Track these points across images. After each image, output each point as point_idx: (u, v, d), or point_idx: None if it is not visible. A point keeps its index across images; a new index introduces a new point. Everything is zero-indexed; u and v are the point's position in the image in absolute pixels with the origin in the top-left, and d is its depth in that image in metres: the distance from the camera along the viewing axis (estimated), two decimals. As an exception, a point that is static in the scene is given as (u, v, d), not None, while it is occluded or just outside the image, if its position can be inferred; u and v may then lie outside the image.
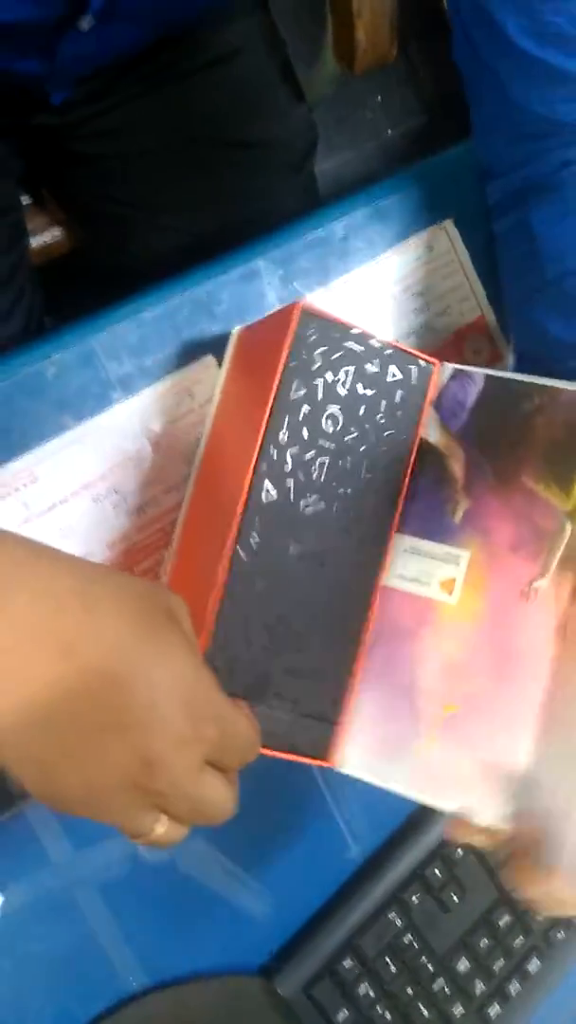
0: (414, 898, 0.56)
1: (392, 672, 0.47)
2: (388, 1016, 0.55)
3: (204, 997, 0.53)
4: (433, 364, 0.49)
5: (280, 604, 0.45)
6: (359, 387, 0.47)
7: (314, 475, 0.46)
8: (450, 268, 0.61)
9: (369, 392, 0.47)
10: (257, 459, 0.45)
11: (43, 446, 0.50)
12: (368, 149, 1.55)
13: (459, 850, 0.58)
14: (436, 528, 0.48)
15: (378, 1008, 0.55)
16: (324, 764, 0.47)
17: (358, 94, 1.59)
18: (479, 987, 0.58)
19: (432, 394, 0.49)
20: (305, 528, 0.46)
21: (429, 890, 0.57)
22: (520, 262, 0.56)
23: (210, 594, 0.44)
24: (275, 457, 0.45)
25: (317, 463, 0.46)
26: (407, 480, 0.48)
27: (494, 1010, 0.59)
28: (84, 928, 0.51)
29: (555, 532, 0.46)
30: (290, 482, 0.45)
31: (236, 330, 0.53)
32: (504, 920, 0.59)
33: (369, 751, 0.47)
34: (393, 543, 0.48)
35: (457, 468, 0.48)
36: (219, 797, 0.35)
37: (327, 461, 0.46)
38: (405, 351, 0.48)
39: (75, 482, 0.51)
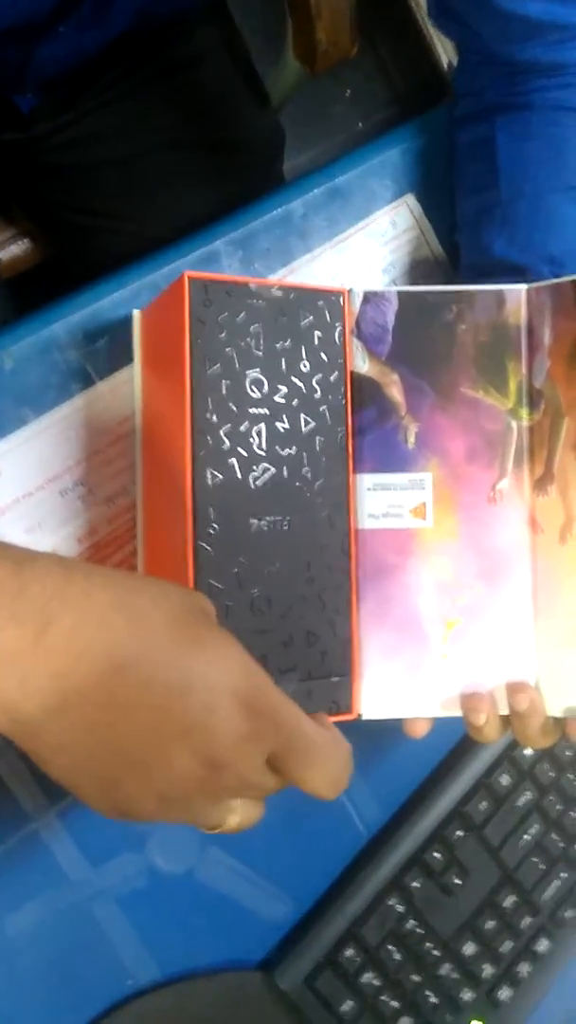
0: (415, 883, 0.55)
1: (388, 609, 0.47)
2: (394, 1004, 0.54)
3: (206, 993, 0.51)
4: (341, 292, 0.48)
5: (256, 582, 0.44)
6: (274, 343, 0.45)
7: (255, 445, 0.45)
8: (415, 243, 0.61)
9: (286, 344, 0.45)
10: (191, 449, 0.43)
11: (4, 440, 0.49)
12: (339, 143, 1.54)
13: (459, 832, 0.57)
14: (392, 458, 0.47)
15: (383, 997, 0.54)
16: (348, 718, 0.46)
17: (327, 89, 1.58)
18: (487, 970, 0.57)
19: (349, 323, 0.48)
20: (261, 500, 0.45)
21: (430, 874, 0.56)
22: (478, 178, 0.56)
23: None
24: (210, 441, 0.44)
25: (254, 432, 0.45)
26: (350, 418, 0.47)
27: (504, 993, 0.57)
28: (86, 926, 0.50)
29: (503, 432, 0.48)
30: (232, 461, 0.44)
31: (136, 313, 0.50)
32: (510, 900, 0.58)
33: (387, 689, 0.47)
34: (355, 484, 0.47)
35: (396, 393, 0.47)
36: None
37: (263, 427, 0.45)
38: (308, 289, 0.46)
39: (40, 476, 0.50)
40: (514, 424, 0.48)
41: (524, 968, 0.58)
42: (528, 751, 0.59)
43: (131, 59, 0.69)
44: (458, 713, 0.47)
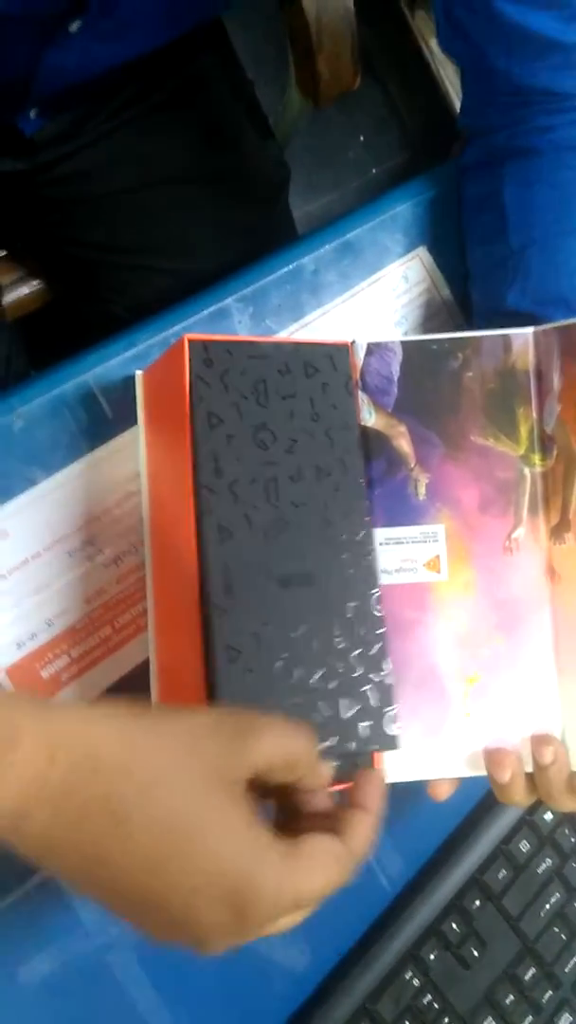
0: (431, 955, 0.53)
1: (407, 667, 0.46)
2: None
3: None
4: (345, 345, 0.47)
5: (281, 647, 0.43)
6: (279, 396, 0.44)
7: (270, 498, 0.44)
8: (427, 296, 0.60)
9: (291, 396, 0.45)
10: (196, 508, 0.42)
11: (13, 501, 0.48)
12: (352, 189, 1.55)
13: (476, 901, 0.55)
14: (404, 511, 0.47)
15: (400, 1076, 0.52)
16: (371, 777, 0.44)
17: (340, 135, 1.60)
18: (508, 1048, 0.55)
19: (354, 376, 0.47)
20: (279, 557, 0.43)
21: (447, 946, 0.54)
22: (487, 229, 0.56)
23: (198, 682, 0.42)
24: (217, 499, 0.43)
25: (265, 485, 0.44)
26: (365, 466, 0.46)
27: (526, 1072, 0.55)
28: (102, 978, 0.48)
29: (515, 480, 0.47)
30: (244, 516, 0.43)
31: (138, 374, 0.50)
32: (530, 973, 0.55)
33: (410, 751, 0.46)
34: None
35: (404, 444, 0.47)
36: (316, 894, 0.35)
37: (277, 479, 0.44)
38: (310, 344, 0.46)
39: (48, 537, 0.49)
40: (527, 471, 0.47)
41: (546, 1045, 0.56)
42: (548, 816, 0.57)
43: (136, 81, 0.69)
44: (483, 772, 0.46)
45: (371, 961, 0.53)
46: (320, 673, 0.43)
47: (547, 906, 0.56)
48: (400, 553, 0.46)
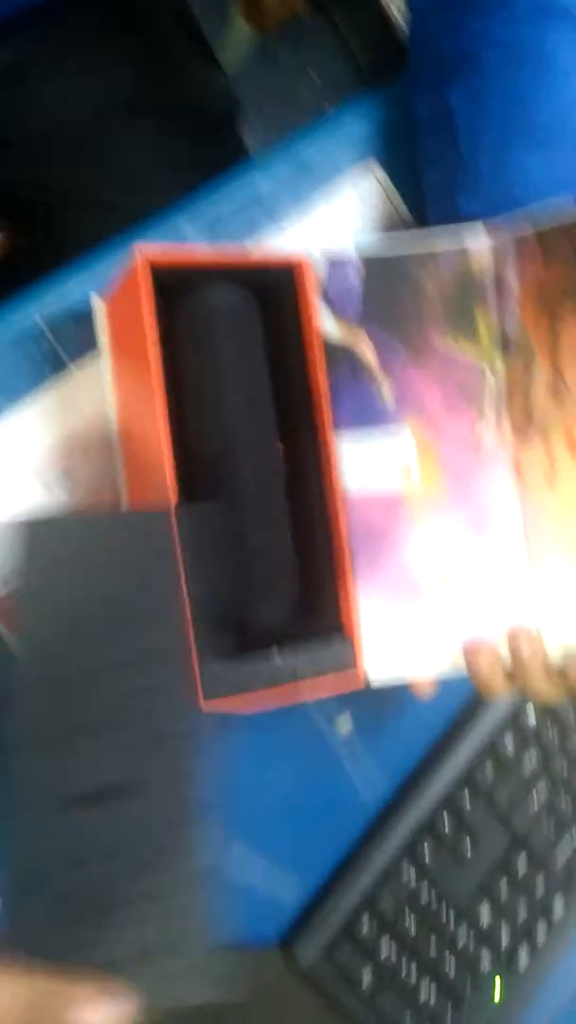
0: (426, 851, 0.55)
1: (382, 572, 0.47)
2: (414, 973, 0.54)
3: (223, 973, 0.51)
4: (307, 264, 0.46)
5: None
6: None
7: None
8: (382, 210, 0.60)
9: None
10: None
11: (-18, 437, 0.48)
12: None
13: (467, 798, 0.56)
14: (370, 417, 0.47)
15: (402, 965, 0.54)
16: (353, 688, 0.46)
17: (290, 73, 1.58)
18: (505, 935, 0.57)
19: (314, 288, 0.47)
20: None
21: (441, 842, 0.56)
22: (439, 146, 0.56)
23: None
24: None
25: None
26: (324, 381, 0.46)
27: (523, 955, 0.57)
28: None
29: (479, 382, 0.48)
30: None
31: (95, 299, 0.49)
32: (522, 864, 0.58)
33: (390, 653, 0.47)
34: (335, 446, 0.47)
35: (368, 353, 0.47)
36: None
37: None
38: (265, 260, 0.45)
39: (21, 468, 0.49)
40: (489, 372, 0.48)
41: (541, 930, 0.58)
42: (531, 715, 0.59)
43: (72, 11, 0.67)
44: (462, 668, 0.47)
45: (369, 860, 0.55)
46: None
47: (535, 800, 0.58)
48: (370, 459, 0.47)
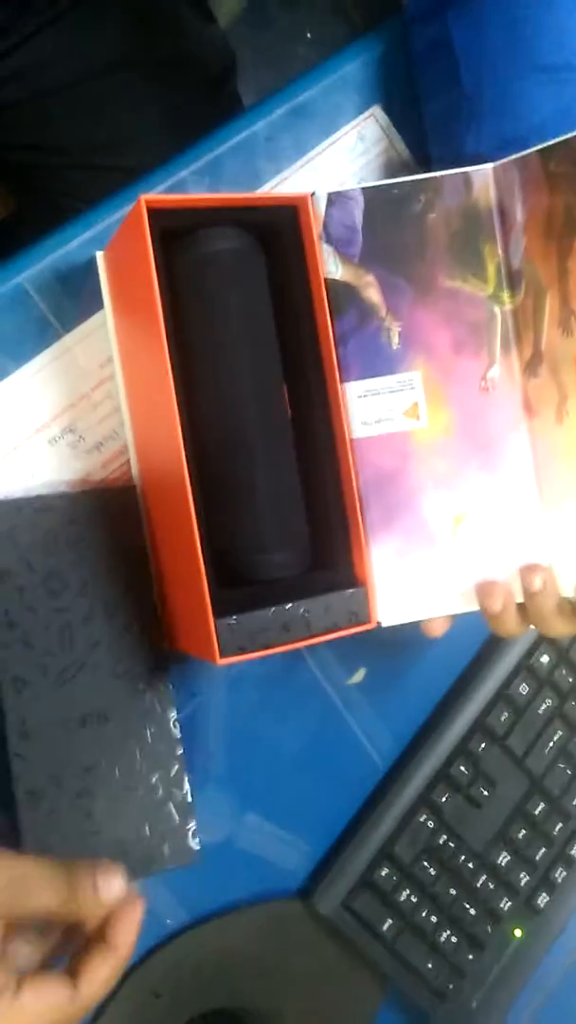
0: (443, 798, 0.55)
1: (393, 514, 0.47)
2: (433, 919, 0.54)
3: (244, 926, 0.52)
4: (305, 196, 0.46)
5: (80, 782, 0.46)
6: (68, 544, 0.47)
7: (64, 644, 0.46)
8: (385, 155, 0.59)
9: (81, 542, 0.47)
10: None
11: (-13, 393, 0.48)
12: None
13: (482, 744, 0.56)
14: (378, 362, 0.47)
15: (422, 912, 0.54)
16: (367, 627, 0.46)
17: (285, 32, 1.55)
18: (523, 879, 0.57)
19: (316, 228, 0.46)
20: (77, 696, 0.46)
21: (457, 788, 0.56)
22: (440, 79, 0.55)
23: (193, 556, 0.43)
24: (9, 651, 0.45)
25: (59, 631, 0.46)
26: (331, 326, 0.46)
27: (542, 899, 0.58)
28: None
29: (487, 319, 0.47)
30: (41, 663, 0.46)
31: (99, 255, 0.49)
32: (539, 808, 0.58)
33: (402, 593, 0.47)
34: (344, 395, 0.47)
35: (374, 294, 0.46)
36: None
37: (71, 623, 0.46)
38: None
39: (27, 426, 0.49)
40: (497, 309, 0.47)
41: (560, 873, 0.58)
42: (545, 658, 0.58)
43: None
44: (475, 607, 0.47)
45: (386, 809, 0.55)
46: (121, 801, 0.46)
47: (550, 744, 0.58)
48: (378, 404, 0.47)
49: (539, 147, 0.45)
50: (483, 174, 0.47)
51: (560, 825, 0.58)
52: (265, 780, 0.54)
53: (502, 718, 0.57)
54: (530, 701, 0.58)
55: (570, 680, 0.59)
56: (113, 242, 0.48)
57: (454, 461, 0.47)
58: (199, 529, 0.42)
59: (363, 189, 0.47)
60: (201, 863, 0.50)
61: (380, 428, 0.47)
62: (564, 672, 0.59)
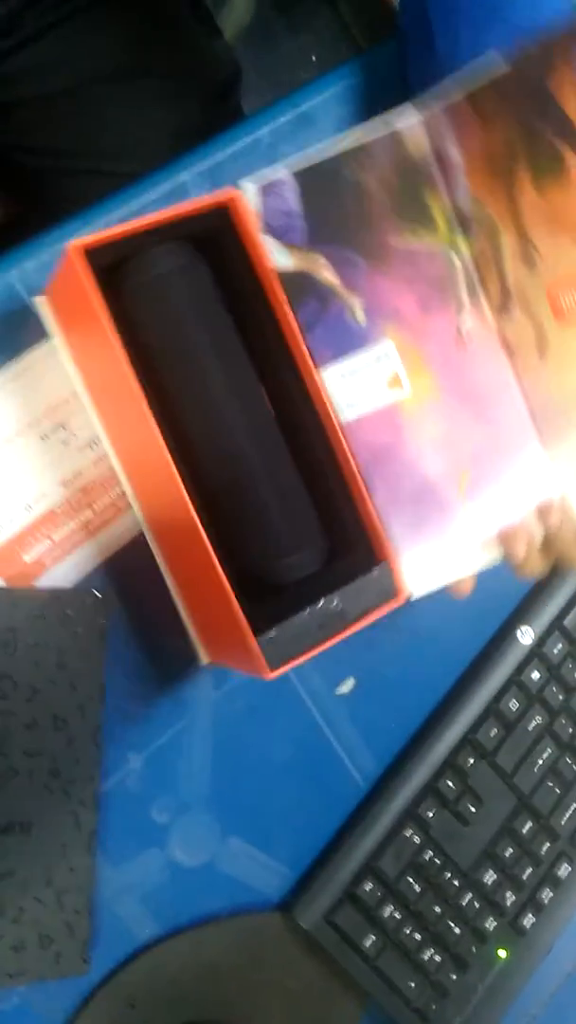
0: (430, 813, 0.54)
1: (399, 488, 0.47)
2: (417, 937, 0.53)
3: (222, 939, 0.50)
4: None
5: None
6: (27, 644, 0.46)
7: (2, 747, 0.45)
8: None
9: (41, 644, 0.46)
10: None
11: (-22, 387, 0.48)
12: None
13: (470, 759, 0.56)
14: (348, 341, 0.46)
15: (406, 929, 0.53)
16: (399, 604, 0.46)
17: (290, 56, 1.57)
18: (510, 898, 0.56)
19: (254, 223, 0.45)
20: (4, 803, 0.45)
21: (444, 803, 0.55)
22: (419, 52, 0.54)
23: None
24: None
25: None
26: (293, 318, 0.45)
27: (528, 920, 0.57)
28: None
29: (448, 271, 0.46)
30: None
31: (39, 300, 0.48)
32: (527, 826, 0.57)
33: (424, 562, 0.47)
34: (322, 382, 0.46)
35: (328, 275, 0.46)
36: None
37: (12, 728, 0.45)
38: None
39: (18, 421, 0.49)
40: (455, 258, 0.46)
41: (547, 894, 0.57)
42: (535, 675, 0.58)
43: None
44: (498, 557, 0.47)
45: (372, 822, 0.54)
46: (26, 911, 0.45)
47: (539, 762, 0.57)
48: (358, 383, 0.46)
49: (465, 92, 0.44)
50: (411, 125, 0.45)
51: (548, 845, 0.57)
52: (247, 797, 0.53)
53: (491, 734, 0.56)
54: (520, 717, 0.57)
55: (560, 697, 0.58)
56: (53, 286, 0.48)
57: (446, 421, 0.46)
58: (216, 553, 0.42)
59: (294, 173, 0.46)
60: (180, 877, 0.50)
61: (366, 406, 0.46)
62: (555, 689, 0.58)
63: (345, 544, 0.47)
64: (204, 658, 0.50)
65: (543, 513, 0.46)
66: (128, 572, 0.50)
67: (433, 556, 0.47)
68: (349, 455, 0.46)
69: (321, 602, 0.44)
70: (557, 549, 0.46)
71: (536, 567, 0.46)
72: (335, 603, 0.44)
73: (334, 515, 0.47)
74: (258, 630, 0.43)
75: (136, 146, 0.69)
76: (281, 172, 0.45)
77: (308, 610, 0.43)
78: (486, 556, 0.47)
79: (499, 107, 0.43)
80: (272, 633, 0.42)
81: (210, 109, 0.73)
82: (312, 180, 0.45)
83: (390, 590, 0.46)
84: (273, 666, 0.43)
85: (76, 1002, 0.48)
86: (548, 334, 0.45)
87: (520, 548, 0.46)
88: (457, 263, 0.46)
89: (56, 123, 0.70)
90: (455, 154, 0.45)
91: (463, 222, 0.46)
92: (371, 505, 0.46)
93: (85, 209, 0.52)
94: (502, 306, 0.46)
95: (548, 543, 0.46)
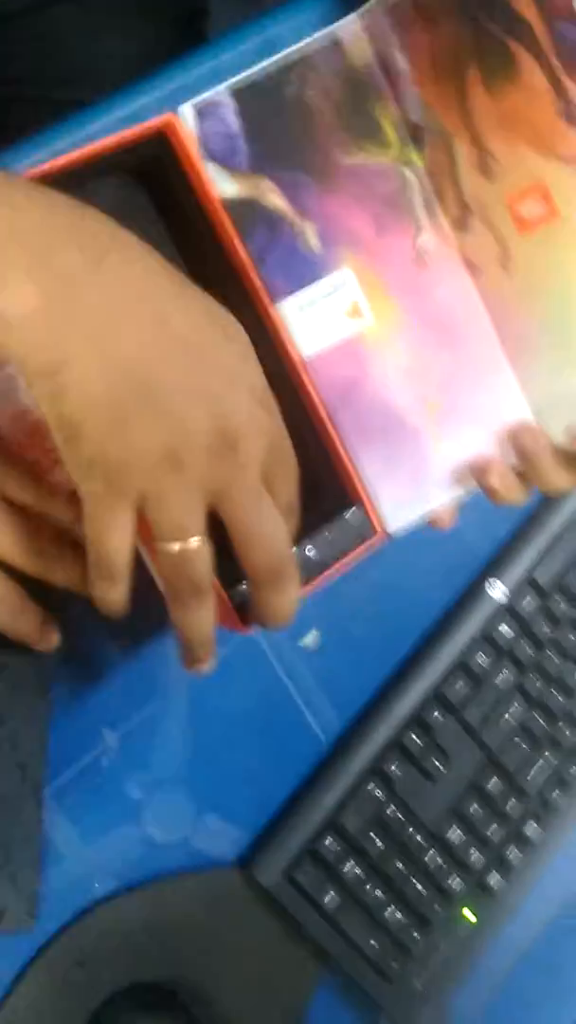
0: (394, 768, 0.53)
1: (367, 423, 0.44)
2: (379, 894, 0.52)
3: (178, 896, 0.49)
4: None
5: None
6: None
7: None
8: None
9: None
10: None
11: None
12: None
13: (437, 714, 0.54)
14: (303, 270, 0.43)
15: (367, 886, 0.51)
16: (377, 542, 0.45)
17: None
18: (475, 857, 0.55)
19: (193, 149, 0.42)
20: None
21: (410, 759, 0.53)
22: None
23: None
24: None
25: None
26: (242, 250, 0.42)
27: (495, 880, 0.55)
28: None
29: (402, 187, 0.44)
30: None
31: None
32: (494, 784, 0.55)
33: (401, 498, 0.45)
34: (279, 317, 0.43)
35: (276, 199, 0.43)
36: (281, 529, 0.36)
37: None
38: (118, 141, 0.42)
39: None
40: (408, 173, 0.43)
41: (514, 854, 0.56)
42: (504, 628, 0.56)
43: None
44: (474, 486, 0.45)
45: (334, 777, 0.52)
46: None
47: (508, 718, 0.56)
48: (317, 315, 0.43)
49: None
50: (351, 31, 0.43)
51: (514, 803, 0.56)
52: (204, 752, 0.51)
53: (458, 688, 0.55)
54: (489, 673, 0.56)
55: (530, 652, 0.57)
56: None
57: (411, 349, 0.44)
58: None
59: (230, 90, 0.42)
60: (134, 835, 0.48)
61: (327, 340, 0.44)
62: (525, 644, 0.57)
63: (315, 488, 0.45)
64: None
65: (515, 437, 0.44)
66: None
67: (408, 490, 0.45)
68: (313, 394, 0.44)
69: (293, 550, 0.42)
70: (533, 473, 0.44)
71: (514, 494, 0.44)
72: (307, 550, 0.43)
73: (301, 459, 0.45)
74: (229, 584, 0.41)
75: (94, 73, 0.66)
76: (219, 92, 0.42)
77: None
78: (462, 485, 0.45)
79: (444, 4, 0.41)
80: (242, 586, 0.40)
81: (175, 36, 0.70)
82: (252, 98, 0.42)
83: (365, 531, 0.44)
84: (249, 620, 0.41)
85: (25, 960, 0.46)
86: (511, 248, 0.43)
87: (493, 478, 0.44)
88: (410, 178, 0.43)
89: (13, 53, 0.67)
90: (401, 60, 0.42)
91: (414, 133, 0.43)
92: (340, 445, 0.45)
93: (27, 138, 0.49)
94: (461, 221, 0.43)
95: (524, 468, 0.44)
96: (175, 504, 0.33)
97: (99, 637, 0.49)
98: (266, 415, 0.35)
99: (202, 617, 0.37)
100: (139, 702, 0.50)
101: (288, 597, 0.37)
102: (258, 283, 0.43)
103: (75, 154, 0.40)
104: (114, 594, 0.36)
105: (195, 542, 0.34)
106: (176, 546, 0.34)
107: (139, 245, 0.34)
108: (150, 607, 0.48)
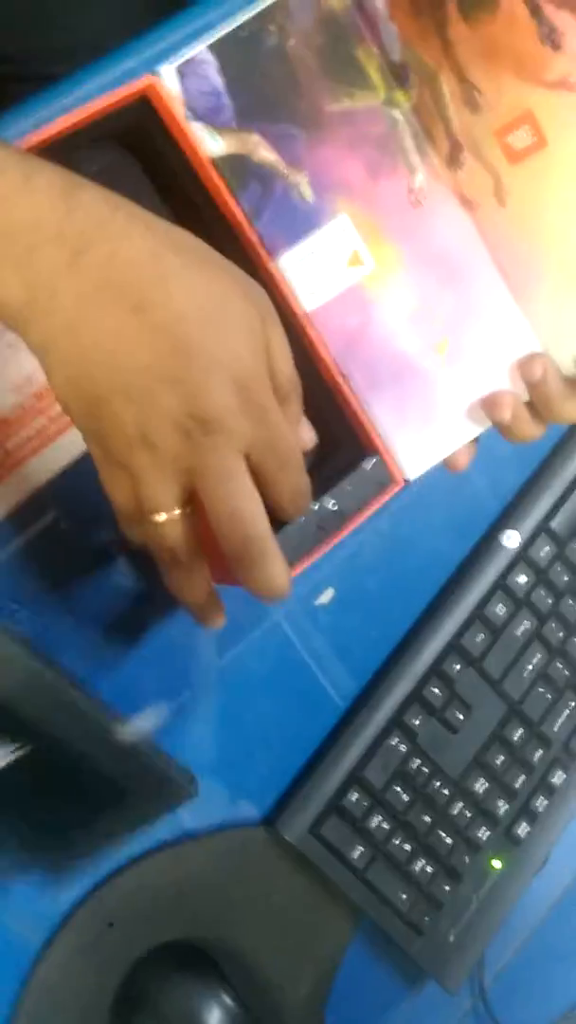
0: (416, 721, 0.52)
1: (376, 369, 0.44)
2: (407, 847, 0.51)
3: (205, 855, 0.49)
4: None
5: None
6: None
7: None
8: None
9: None
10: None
11: None
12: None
13: (456, 666, 0.54)
14: (300, 222, 0.43)
15: (395, 840, 0.51)
16: (397, 488, 0.45)
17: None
18: (502, 807, 0.54)
19: (179, 110, 0.42)
20: None
21: (431, 711, 0.53)
22: None
23: None
24: None
25: None
26: (236, 207, 0.42)
27: (522, 829, 0.55)
28: None
29: (390, 129, 0.43)
30: None
31: None
32: (518, 734, 0.55)
33: (416, 443, 0.45)
34: (278, 272, 0.43)
35: (266, 153, 0.42)
36: (249, 508, 0.35)
37: None
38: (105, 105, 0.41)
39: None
40: (397, 114, 0.43)
41: (540, 802, 0.55)
42: (522, 578, 0.56)
43: None
44: (488, 423, 0.45)
45: (356, 732, 0.52)
46: None
47: (529, 667, 0.55)
48: (316, 267, 0.43)
49: None
50: None
51: (540, 752, 0.55)
52: (223, 714, 0.51)
53: (478, 639, 0.54)
54: (507, 622, 0.55)
55: (549, 601, 0.56)
56: None
57: (414, 291, 0.44)
58: None
59: (210, 47, 0.42)
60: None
61: (330, 290, 0.43)
62: (543, 593, 0.56)
63: (330, 442, 0.45)
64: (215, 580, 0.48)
65: (524, 369, 0.44)
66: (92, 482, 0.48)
67: (423, 434, 0.45)
68: (321, 347, 0.44)
69: (316, 506, 0.43)
70: (544, 405, 0.44)
71: (527, 429, 0.44)
72: (330, 504, 0.43)
73: (315, 413, 0.45)
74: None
75: (85, 46, 0.66)
76: (198, 48, 0.42)
77: (302, 517, 0.42)
78: (476, 424, 0.45)
79: None
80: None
81: (165, 5, 0.70)
82: (231, 51, 0.42)
83: (384, 479, 0.45)
84: None
85: (55, 922, 0.46)
86: (504, 179, 0.42)
87: (506, 412, 0.44)
88: (399, 118, 0.43)
89: (3, 23, 0.66)
90: (378, 2, 0.42)
91: (398, 73, 0.43)
92: (352, 396, 0.44)
93: (9, 110, 0.49)
94: (452, 157, 0.43)
95: (535, 401, 0.44)
96: (149, 480, 0.35)
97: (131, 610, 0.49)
98: (245, 400, 0.35)
99: (192, 583, 0.38)
100: (161, 670, 0.50)
101: (265, 573, 0.36)
102: (255, 239, 0.43)
103: (56, 125, 0.40)
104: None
105: (165, 516, 0.36)
106: (154, 517, 0.36)
107: (131, 227, 0.34)
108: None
